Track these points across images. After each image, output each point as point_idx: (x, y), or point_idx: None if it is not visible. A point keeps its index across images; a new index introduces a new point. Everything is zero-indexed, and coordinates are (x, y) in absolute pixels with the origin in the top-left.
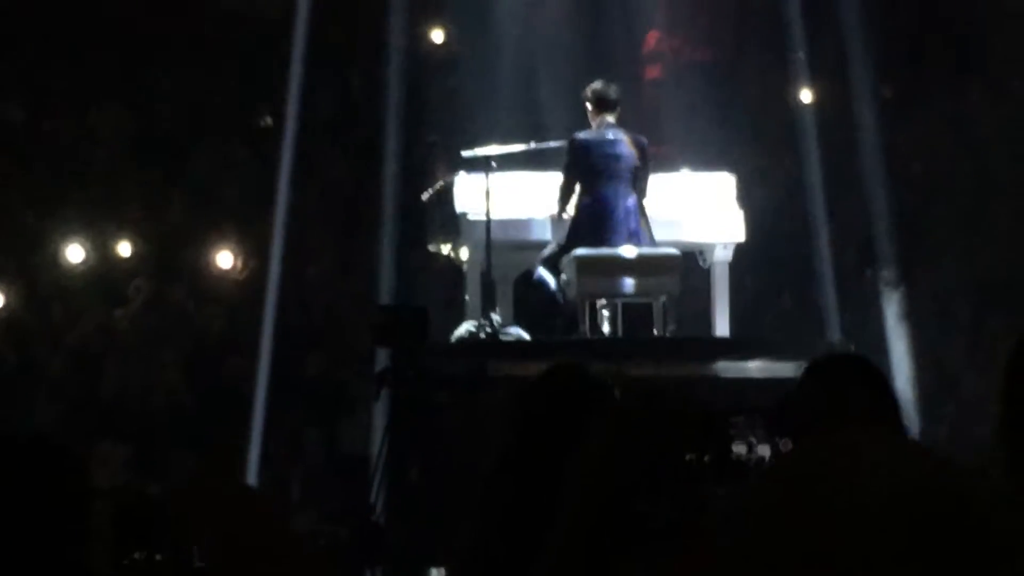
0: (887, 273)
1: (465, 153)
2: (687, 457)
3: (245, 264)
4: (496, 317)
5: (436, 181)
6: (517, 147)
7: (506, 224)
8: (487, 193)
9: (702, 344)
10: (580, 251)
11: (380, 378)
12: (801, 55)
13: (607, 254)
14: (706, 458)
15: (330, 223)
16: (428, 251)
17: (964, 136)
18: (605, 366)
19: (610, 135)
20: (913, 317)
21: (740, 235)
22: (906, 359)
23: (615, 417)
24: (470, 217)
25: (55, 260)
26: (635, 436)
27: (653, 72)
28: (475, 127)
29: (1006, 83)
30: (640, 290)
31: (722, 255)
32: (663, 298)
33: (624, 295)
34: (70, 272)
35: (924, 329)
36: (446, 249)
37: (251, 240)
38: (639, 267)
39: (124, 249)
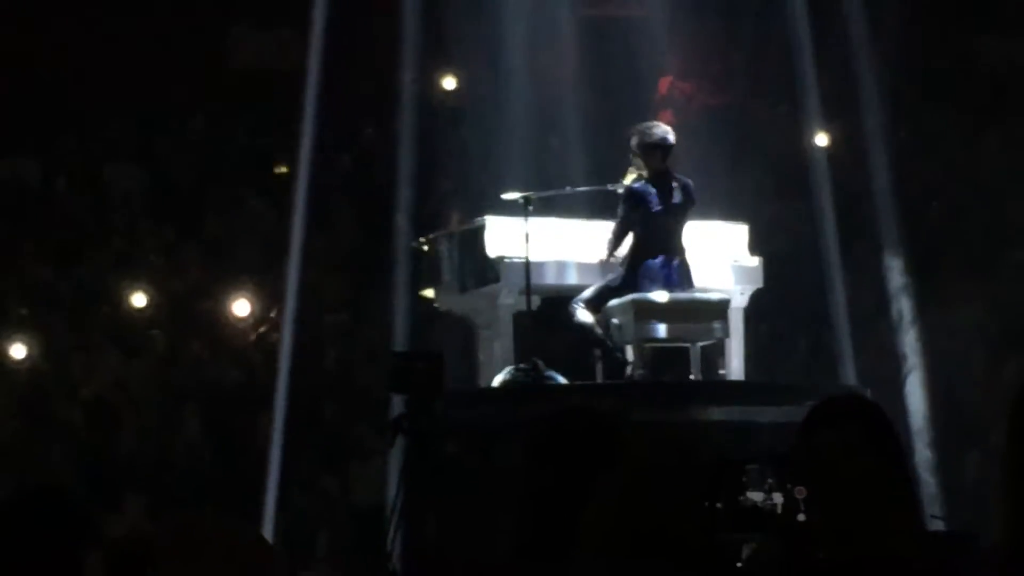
0: (902, 317)
1: (505, 196)
2: (704, 504)
3: (260, 315)
4: (539, 362)
5: (448, 229)
6: (554, 191)
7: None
8: (526, 236)
9: (752, 389)
10: (639, 296)
11: (395, 425)
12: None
13: (666, 299)
14: (719, 505)
15: (344, 272)
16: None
17: (977, 180)
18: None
19: (665, 181)
20: (929, 361)
21: (758, 281)
22: (923, 403)
23: (631, 465)
24: (507, 260)
25: (72, 314)
26: (651, 484)
27: (666, 117)
28: (488, 174)
29: (1019, 127)
30: (694, 334)
31: (739, 301)
32: (709, 341)
33: (680, 339)
34: (87, 326)
35: (940, 373)
36: (431, 295)
37: (266, 291)
38: (695, 312)
39: (140, 302)
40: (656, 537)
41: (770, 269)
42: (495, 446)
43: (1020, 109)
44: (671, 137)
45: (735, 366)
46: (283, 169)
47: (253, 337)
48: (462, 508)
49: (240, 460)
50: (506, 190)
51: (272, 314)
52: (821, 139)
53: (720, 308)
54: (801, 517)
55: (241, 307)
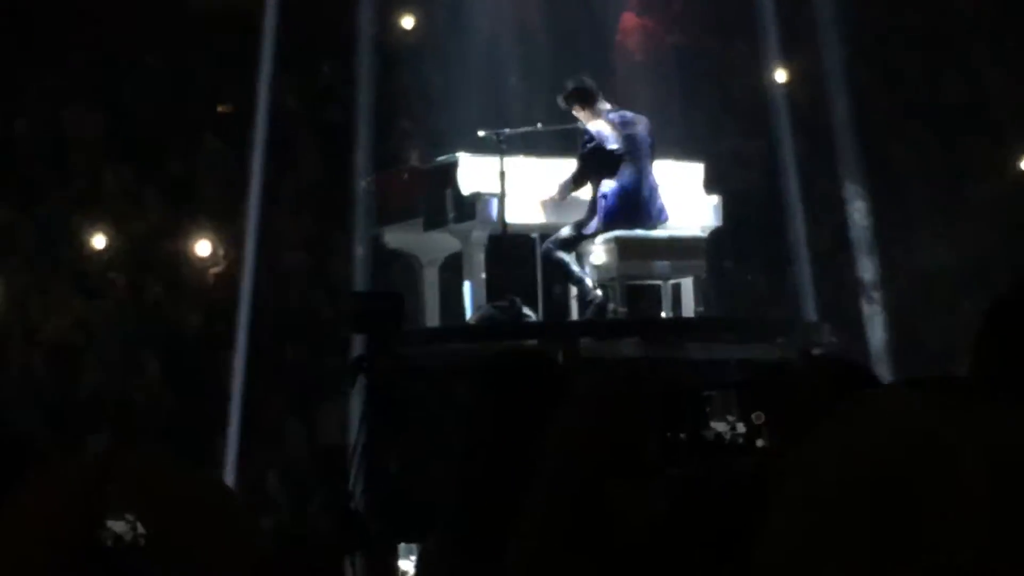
0: (863, 252)
1: (481, 133)
2: (666, 435)
3: (221, 256)
4: (517, 299)
5: (406, 167)
6: (527, 129)
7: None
8: (501, 174)
9: (725, 325)
10: (620, 233)
11: (356, 366)
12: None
13: (645, 236)
14: (682, 436)
15: (304, 213)
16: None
17: (937, 116)
18: (560, 348)
19: (620, 119)
20: (890, 296)
21: (717, 220)
22: (883, 338)
23: (592, 396)
24: (483, 196)
25: (32, 256)
26: (612, 415)
27: (626, 56)
28: (448, 113)
29: (980, 65)
30: (674, 272)
31: None
32: (685, 279)
33: (660, 276)
34: (47, 268)
35: (901, 308)
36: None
37: (226, 232)
38: (673, 249)
39: (100, 243)
40: (612, 470)
41: (730, 206)
42: (455, 385)
43: (980, 44)
44: (590, 82)
45: (694, 303)
46: (236, 108)
47: (214, 278)
48: (423, 447)
49: (202, 401)
50: (466, 128)
51: (233, 255)
52: (780, 76)
53: (699, 245)
54: (760, 443)
55: (202, 248)
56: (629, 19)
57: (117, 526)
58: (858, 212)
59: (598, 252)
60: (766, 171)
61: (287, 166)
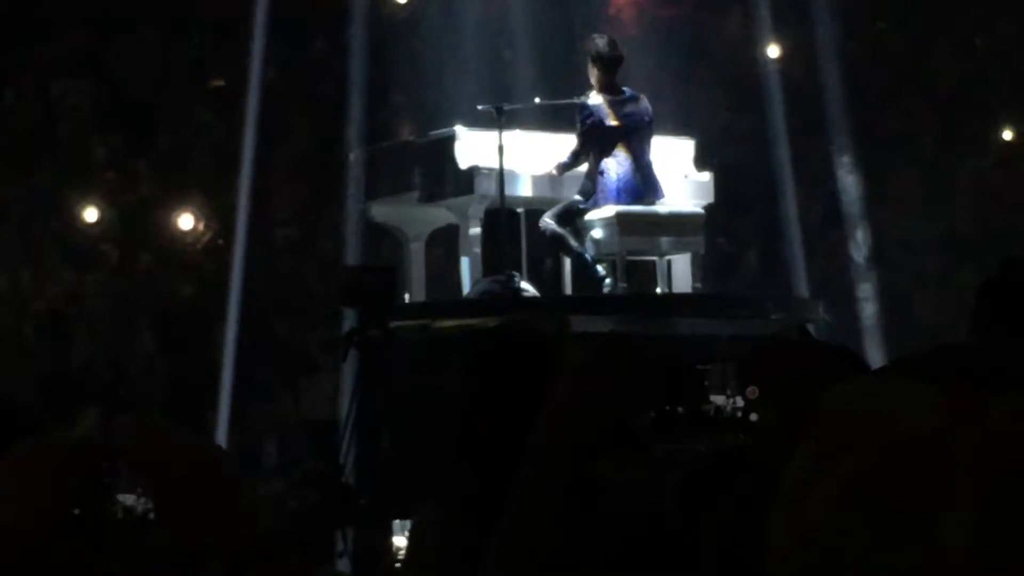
0: (854, 227)
1: (480, 107)
2: (666, 408)
3: (213, 228)
4: (515, 274)
5: (399, 141)
6: (523, 104)
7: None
8: (500, 147)
9: (724, 302)
10: (621, 209)
11: (347, 339)
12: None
13: (647, 212)
14: (679, 410)
15: (296, 186)
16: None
17: (929, 89)
18: (552, 320)
19: (623, 94)
20: (882, 270)
21: (709, 196)
22: (875, 313)
23: (583, 370)
24: (482, 171)
25: (23, 227)
26: (603, 389)
27: (618, 30)
28: (441, 87)
29: (970, 38)
30: (673, 247)
31: None
32: (679, 255)
33: (660, 252)
34: (38, 239)
35: (893, 282)
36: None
37: (218, 204)
38: (674, 225)
39: (91, 215)
40: (603, 445)
41: (722, 182)
42: (446, 359)
43: (972, 16)
44: (617, 50)
45: (687, 279)
46: (225, 82)
47: (205, 250)
48: (415, 421)
49: (193, 374)
50: (461, 102)
51: (224, 227)
52: (772, 50)
53: (699, 221)
54: (754, 417)
55: (193, 220)
56: None
57: (127, 497)
58: (850, 186)
59: (599, 227)
60: (758, 146)
61: (279, 139)
